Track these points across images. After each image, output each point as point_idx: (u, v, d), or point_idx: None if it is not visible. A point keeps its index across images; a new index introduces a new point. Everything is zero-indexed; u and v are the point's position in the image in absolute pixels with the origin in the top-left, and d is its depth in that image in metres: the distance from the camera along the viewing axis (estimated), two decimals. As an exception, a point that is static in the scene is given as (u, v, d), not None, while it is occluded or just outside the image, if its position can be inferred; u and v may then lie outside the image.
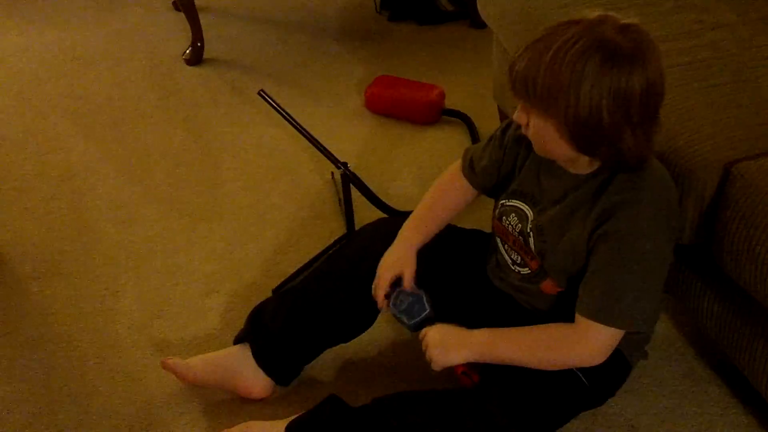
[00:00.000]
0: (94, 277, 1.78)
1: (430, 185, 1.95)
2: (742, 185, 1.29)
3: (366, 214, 1.85)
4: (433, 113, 2.22)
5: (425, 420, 1.30)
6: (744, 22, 1.60)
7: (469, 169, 1.45)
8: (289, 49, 2.58)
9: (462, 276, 1.46)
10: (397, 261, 1.41)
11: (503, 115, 2.09)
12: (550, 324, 1.30)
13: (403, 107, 2.23)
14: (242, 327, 1.52)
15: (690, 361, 1.55)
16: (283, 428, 1.36)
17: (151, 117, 2.29)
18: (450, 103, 2.26)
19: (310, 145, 1.96)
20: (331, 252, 1.74)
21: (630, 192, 1.23)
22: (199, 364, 1.49)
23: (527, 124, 1.22)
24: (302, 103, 2.30)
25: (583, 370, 1.32)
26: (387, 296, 1.41)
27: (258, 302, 1.53)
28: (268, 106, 2.02)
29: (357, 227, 1.84)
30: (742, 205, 1.28)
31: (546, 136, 1.20)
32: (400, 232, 1.45)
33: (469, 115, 2.21)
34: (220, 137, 2.20)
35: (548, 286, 1.34)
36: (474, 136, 2.15)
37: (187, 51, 2.51)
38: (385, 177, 2.03)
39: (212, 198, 2.00)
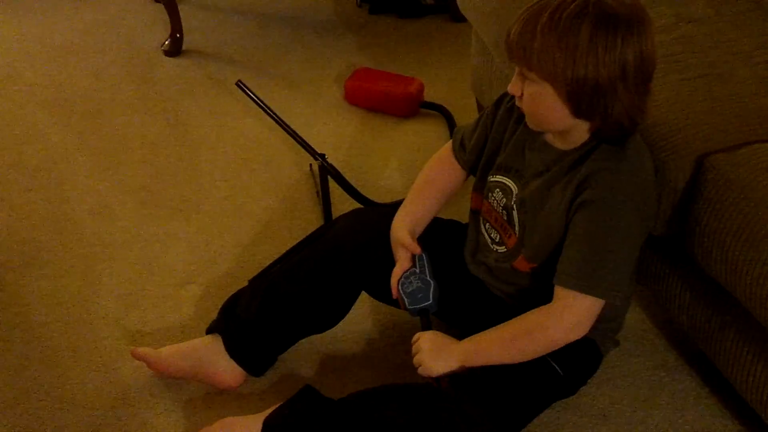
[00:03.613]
0: (69, 267, 1.78)
1: (408, 178, 1.96)
2: (713, 177, 1.30)
3: (344, 206, 1.85)
4: (412, 106, 2.23)
5: (401, 414, 1.30)
6: (719, 16, 1.61)
7: (460, 147, 1.46)
8: (268, 40, 2.58)
9: (440, 265, 1.47)
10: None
11: (481, 108, 2.09)
12: (524, 313, 1.30)
13: (383, 100, 2.23)
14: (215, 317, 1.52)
15: (662, 352, 1.57)
16: (261, 422, 1.35)
17: (129, 108, 2.28)
18: (429, 96, 2.26)
19: (289, 136, 1.96)
20: (306, 242, 1.73)
21: (610, 161, 1.24)
22: (169, 353, 1.48)
23: (521, 95, 1.24)
24: (281, 94, 2.29)
25: (556, 358, 1.33)
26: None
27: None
28: (246, 97, 2.01)
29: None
30: (713, 197, 1.29)
31: (542, 103, 1.22)
32: (393, 221, 1.45)
33: (447, 108, 2.21)
34: (198, 128, 2.20)
35: (521, 263, 1.35)
36: (452, 129, 2.15)
37: (166, 42, 2.50)
38: (364, 169, 2.03)
39: (189, 189, 2.00)
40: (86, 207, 1.94)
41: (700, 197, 1.32)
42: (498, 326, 1.32)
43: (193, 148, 2.13)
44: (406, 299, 1.40)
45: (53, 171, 2.05)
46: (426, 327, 1.39)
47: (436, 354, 1.33)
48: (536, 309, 1.29)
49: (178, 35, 2.48)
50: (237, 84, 1.99)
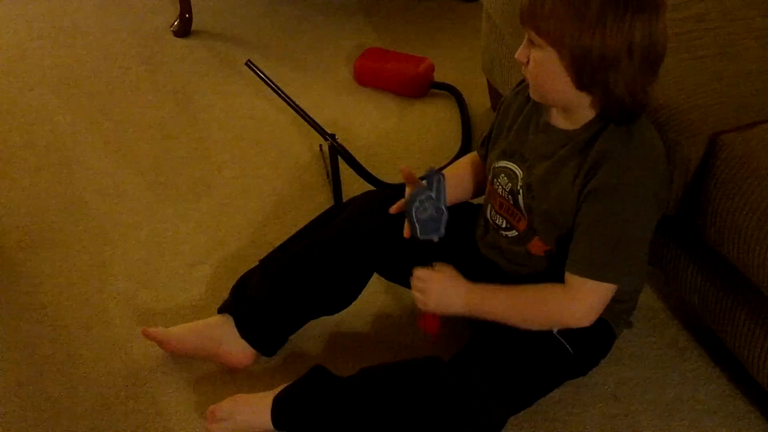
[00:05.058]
0: (80, 247, 1.78)
1: (418, 158, 1.96)
2: (727, 157, 1.29)
3: (353, 186, 1.85)
4: (422, 87, 2.21)
5: (409, 389, 1.31)
6: (732, -6, 1.60)
7: (481, 145, 1.47)
8: (277, 20, 2.57)
9: (451, 246, 1.46)
10: None
11: (492, 89, 2.08)
12: (542, 284, 1.30)
13: (392, 80, 2.22)
14: (227, 297, 1.52)
15: (673, 332, 1.57)
16: (271, 400, 1.37)
17: (139, 89, 2.27)
18: (439, 76, 2.25)
19: (298, 117, 1.96)
20: (318, 223, 1.73)
21: (618, 142, 1.24)
22: (181, 332, 1.49)
23: (527, 62, 1.24)
24: (290, 74, 2.29)
25: (568, 338, 1.33)
26: (421, 178, 1.30)
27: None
28: (256, 77, 2.01)
29: (344, 200, 1.84)
30: (726, 176, 1.28)
31: (546, 70, 1.22)
32: None
33: (458, 88, 2.20)
34: (208, 109, 2.19)
35: (536, 246, 1.34)
36: (463, 109, 2.14)
37: (175, 23, 2.49)
38: (373, 150, 2.03)
39: (199, 169, 2.00)
40: (96, 187, 1.94)
41: (712, 177, 1.31)
42: (512, 287, 1.31)
43: (203, 128, 2.13)
44: (418, 227, 1.28)
45: (62, 151, 2.05)
46: (431, 259, 1.32)
47: (443, 295, 1.31)
48: (553, 284, 1.29)
49: (187, 15, 2.47)
50: (247, 64, 1.99)
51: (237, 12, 2.61)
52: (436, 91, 2.23)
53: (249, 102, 2.21)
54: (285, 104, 1.96)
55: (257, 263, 1.68)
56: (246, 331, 1.47)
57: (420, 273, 1.33)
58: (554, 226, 1.30)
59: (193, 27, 2.50)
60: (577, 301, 1.27)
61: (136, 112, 2.18)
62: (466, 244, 1.46)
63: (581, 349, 1.35)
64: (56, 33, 2.51)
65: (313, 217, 1.79)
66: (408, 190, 1.34)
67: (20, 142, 2.09)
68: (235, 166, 2.00)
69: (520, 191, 1.33)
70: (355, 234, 1.45)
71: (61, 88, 2.28)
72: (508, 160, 1.36)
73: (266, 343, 1.50)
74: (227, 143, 2.07)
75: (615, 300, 1.30)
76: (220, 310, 1.51)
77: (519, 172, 1.34)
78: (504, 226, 1.38)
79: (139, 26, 2.54)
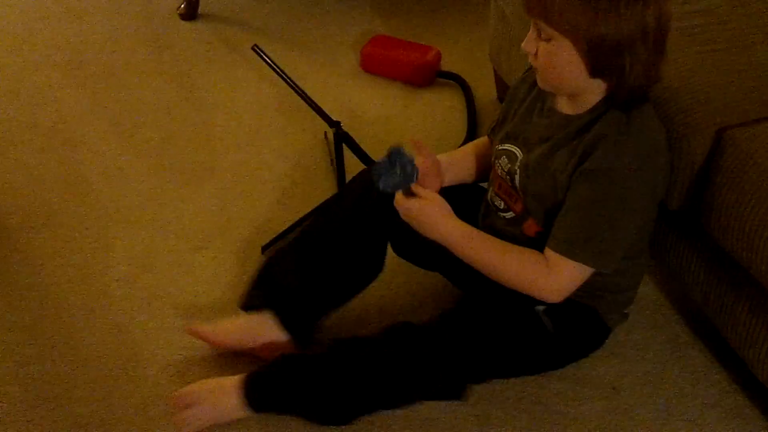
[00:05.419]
0: (83, 229, 1.78)
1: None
2: (733, 152, 1.28)
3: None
4: (429, 75, 2.21)
5: (381, 360, 1.33)
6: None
7: (491, 129, 1.47)
8: (285, 6, 2.56)
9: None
10: None
11: (499, 78, 2.07)
12: (527, 249, 1.30)
13: (399, 68, 2.21)
14: (249, 290, 1.50)
15: (674, 326, 1.57)
16: (238, 380, 1.37)
17: (144, 71, 2.27)
18: (446, 65, 2.24)
19: (303, 103, 1.95)
20: (319, 210, 1.73)
21: (617, 129, 1.24)
22: (227, 330, 1.47)
23: (536, 53, 1.23)
24: (297, 61, 2.28)
25: (551, 316, 1.34)
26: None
27: (247, 259, 1.52)
28: (262, 63, 2.00)
29: (348, 187, 1.84)
30: (732, 171, 1.28)
31: (558, 60, 1.21)
32: None
33: (465, 77, 2.19)
34: (213, 93, 2.19)
35: (530, 227, 1.35)
36: (469, 99, 2.13)
37: (182, 6, 2.48)
38: (378, 138, 2.02)
39: (204, 154, 1.99)
40: (100, 169, 1.94)
41: (718, 171, 1.30)
42: (496, 242, 1.31)
43: (208, 112, 2.12)
44: (397, 193, 1.32)
45: (67, 133, 2.05)
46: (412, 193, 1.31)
47: (426, 223, 1.31)
48: (537, 255, 1.29)
49: (193, -1, 2.47)
50: (253, 48, 1.98)
51: (244, -4, 2.61)
52: (443, 80, 2.22)
53: (254, 87, 2.20)
54: (290, 90, 1.95)
55: (260, 250, 1.69)
56: (290, 324, 1.45)
57: (403, 203, 1.31)
58: (546, 206, 1.31)
59: (200, 10, 2.49)
60: (552, 276, 1.27)
61: (141, 94, 2.18)
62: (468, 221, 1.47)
63: (564, 331, 1.36)
64: (63, 14, 2.50)
65: (316, 204, 1.80)
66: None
67: (24, 122, 2.08)
68: (239, 151, 2.00)
69: (517, 171, 1.34)
70: (367, 204, 1.44)
71: (67, 69, 2.27)
72: (511, 143, 1.37)
73: (307, 332, 1.48)
74: (232, 128, 2.07)
75: (607, 289, 1.31)
76: (253, 306, 1.48)
77: (519, 154, 1.35)
78: (502, 207, 1.39)
79: (146, 9, 2.53)
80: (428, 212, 1.31)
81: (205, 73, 2.26)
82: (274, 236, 1.74)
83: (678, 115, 1.34)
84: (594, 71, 1.21)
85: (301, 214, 1.78)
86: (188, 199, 1.86)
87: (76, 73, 2.26)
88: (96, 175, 1.92)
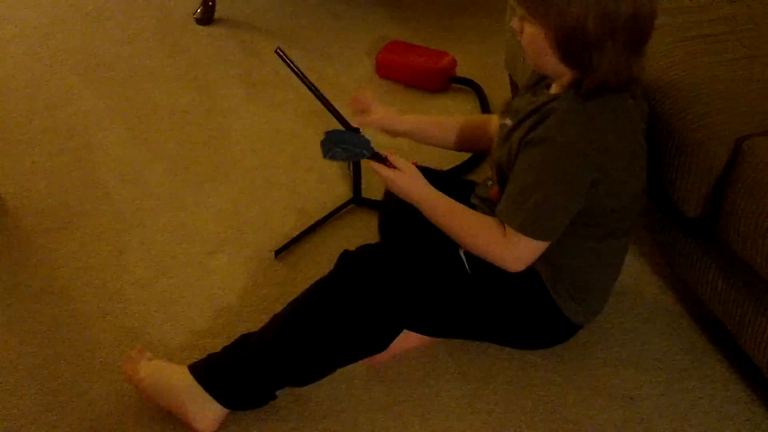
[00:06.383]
0: (99, 232, 1.79)
1: (437, 153, 1.93)
2: (752, 161, 1.28)
3: (373, 180, 1.84)
4: (444, 81, 2.21)
5: (315, 286, 1.37)
6: (762, -3, 1.58)
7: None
8: (300, 10, 2.56)
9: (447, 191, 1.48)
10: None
11: (514, 85, 2.07)
12: (490, 217, 1.34)
13: (414, 74, 2.21)
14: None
15: (692, 336, 1.55)
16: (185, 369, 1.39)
17: (160, 75, 2.28)
18: (461, 71, 2.24)
19: (320, 108, 1.94)
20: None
21: (570, 102, 1.27)
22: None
23: (522, 32, 1.28)
24: (312, 65, 2.28)
25: (469, 263, 1.39)
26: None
27: (261, 264, 1.52)
28: (278, 67, 2.00)
29: (364, 192, 1.84)
30: (751, 180, 1.27)
31: (535, 45, 1.26)
32: None
33: (479, 83, 2.19)
34: (229, 98, 2.19)
35: (495, 193, 1.40)
36: (484, 105, 2.13)
37: (198, 10, 2.49)
38: (394, 143, 2.01)
39: (219, 158, 2.00)
40: (117, 173, 1.95)
41: (736, 180, 1.30)
42: (463, 207, 1.36)
43: (224, 117, 2.13)
44: (380, 165, 1.41)
45: (84, 136, 2.06)
46: (382, 159, 1.41)
47: (402, 188, 1.38)
48: (496, 223, 1.32)
49: (210, 3, 2.48)
50: (276, 52, 1.97)
51: (259, 1, 2.61)
52: (458, 85, 2.22)
53: (270, 91, 2.20)
54: (307, 94, 1.95)
55: (273, 255, 1.68)
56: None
57: (384, 173, 1.39)
58: (506, 174, 1.35)
59: (216, 15, 2.50)
60: (508, 245, 1.31)
61: (158, 98, 2.19)
62: (462, 195, 1.49)
63: (482, 276, 1.38)
64: (80, 17, 2.52)
65: (331, 210, 1.80)
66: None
67: (42, 125, 2.09)
68: (255, 155, 2.00)
69: (501, 142, 1.39)
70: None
71: (84, 74, 2.28)
72: (507, 116, 1.41)
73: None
74: (247, 132, 2.07)
75: (559, 275, 1.36)
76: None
77: (511, 125, 1.39)
78: (490, 176, 1.45)
79: (162, 12, 2.54)
80: (403, 179, 1.39)
81: (221, 78, 2.27)
82: (288, 241, 1.74)
83: (696, 123, 1.34)
84: (564, 61, 1.25)
85: (315, 220, 1.78)
86: (203, 203, 1.87)
87: (93, 77, 2.27)
88: (112, 179, 1.93)
